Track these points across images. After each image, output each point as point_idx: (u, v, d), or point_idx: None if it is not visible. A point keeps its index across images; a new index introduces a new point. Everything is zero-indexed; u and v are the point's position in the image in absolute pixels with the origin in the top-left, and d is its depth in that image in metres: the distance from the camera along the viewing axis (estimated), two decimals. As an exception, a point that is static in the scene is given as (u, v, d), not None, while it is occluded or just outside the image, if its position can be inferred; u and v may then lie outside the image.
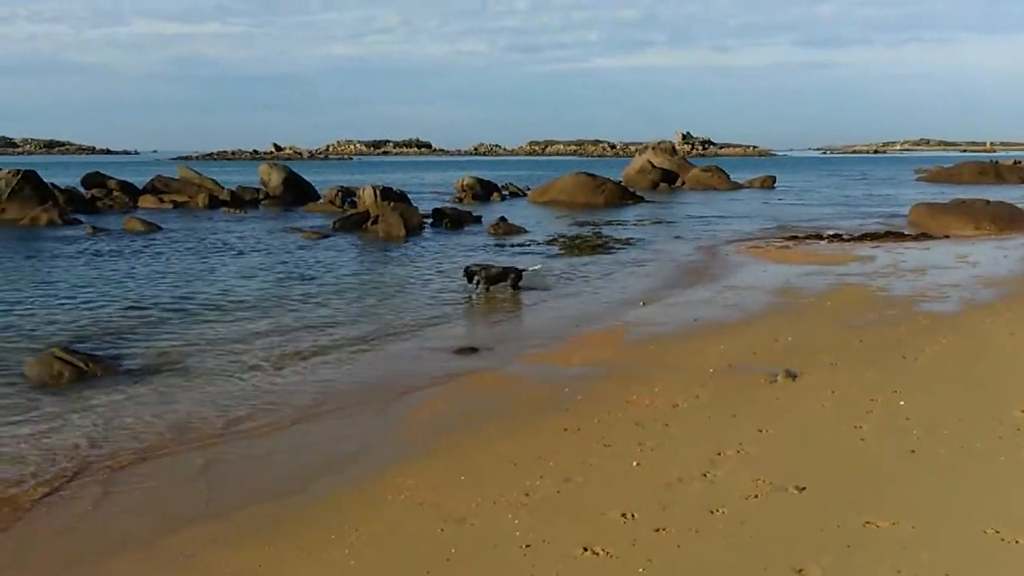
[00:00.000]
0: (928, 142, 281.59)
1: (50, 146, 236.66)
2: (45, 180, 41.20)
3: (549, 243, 30.50)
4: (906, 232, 32.76)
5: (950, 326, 15.77)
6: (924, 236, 31.21)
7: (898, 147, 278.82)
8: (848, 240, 30.50)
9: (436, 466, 9.29)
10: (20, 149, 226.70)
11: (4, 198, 38.51)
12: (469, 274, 20.44)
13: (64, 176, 55.23)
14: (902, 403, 10.88)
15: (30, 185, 39.33)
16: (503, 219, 35.75)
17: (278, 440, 10.52)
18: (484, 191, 54.88)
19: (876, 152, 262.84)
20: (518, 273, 20.57)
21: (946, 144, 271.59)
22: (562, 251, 28.43)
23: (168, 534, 7.85)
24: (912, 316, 16.69)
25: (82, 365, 13.29)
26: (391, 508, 8.19)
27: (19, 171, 39.80)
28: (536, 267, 21.98)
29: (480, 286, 20.08)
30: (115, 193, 46.51)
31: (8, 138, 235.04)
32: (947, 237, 31.08)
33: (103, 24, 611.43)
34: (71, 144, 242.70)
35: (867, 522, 7.45)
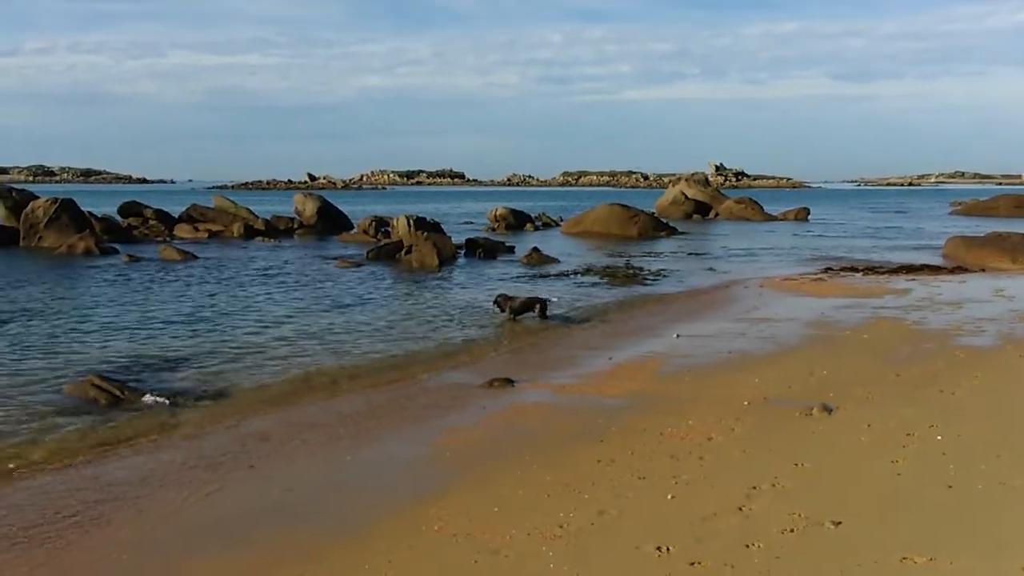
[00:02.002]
0: (963, 175, 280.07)
1: (87, 175, 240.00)
2: (82, 209, 41.76)
3: (582, 274, 30.50)
4: (942, 265, 32.54)
5: (987, 360, 15.63)
6: (960, 269, 30.98)
7: (932, 180, 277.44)
8: (883, 273, 30.31)
9: (470, 497, 9.27)
10: (58, 178, 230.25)
11: (42, 226, 39.05)
12: (499, 304, 20.60)
13: (101, 205, 55.85)
14: (939, 438, 10.76)
15: (68, 213, 39.84)
16: (536, 249, 35.85)
17: (308, 469, 10.55)
18: (517, 221, 55.15)
19: (910, 185, 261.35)
20: (543, 303, 20.71)
21: (981, 177, 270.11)
22: (595, 282, 28.41)
23: (192, 559, 7.89)
24: (949, 350, 16.54)
25: (117, 393, 13.43)
26: (424, 539, 8.18)
27: (57, 200, 40.35)
28: (554, 299, 21.85)
29: (508, 316, 20.24)
30: (151, 222, 46.99)
31: (46, 167, 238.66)
32: (983, 270, 30.84)
33: (142, 56, 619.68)
34: (108, 173, 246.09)
35: (904, 558, 7.37)
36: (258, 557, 7.92)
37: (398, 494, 9.54)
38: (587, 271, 31.19)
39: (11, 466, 10.53)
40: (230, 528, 8.72)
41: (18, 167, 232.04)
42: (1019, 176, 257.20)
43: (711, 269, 32.79)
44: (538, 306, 20.63)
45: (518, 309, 20.45)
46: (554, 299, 21.71)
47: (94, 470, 10.43)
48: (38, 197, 41.45)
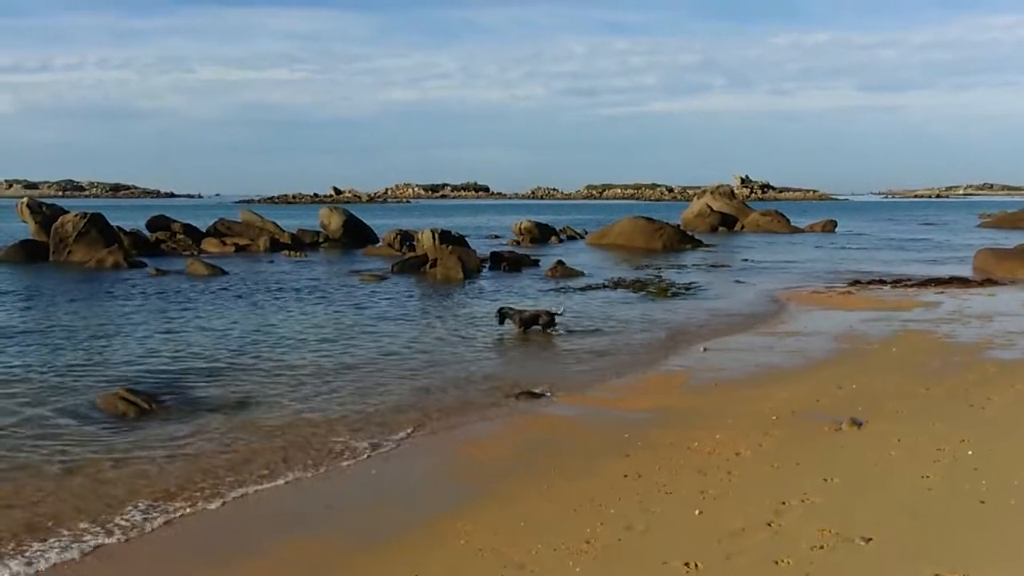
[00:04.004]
0: (992, 186, 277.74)
1: (115, 189, 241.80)
2: (111, 223, 42.10)
3: (610, 287, 30.40)
4: (971, 278, 32.25)
5: (1019, 374, 15.45)
6: (989, 282, 30.69)
7: (961, 191, 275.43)
8: (912, 286, 30.09)
9: (496, 511, 9.24)
10: (87, 192, 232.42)
11: (71, 240, 39.39)
12: (502, 316, 20.58)
13: (129, 219, 56.21)
14: (970, 452, 10.64)
15: (96, 228, 40.19)
16: (561, 262, 35.82)
17: (335, 482, 10.55)
18: (542, 234, 55.23)
19: (938, 196, 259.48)
20: (550, 316, 20.60)
21: (1010, 189, 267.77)
22: (621, 295, 28.32)
23: (215, 570, 7.89)
24: (979, 363, 16.38)
25: (145, 405, 13.54)
26: (450, 553, 8.15)
27: (86, 214, 40.79)
28: (560, 311, 21.65)
29: (515, 328, 20.25)
30: (179, 236, 47.29)
31: (75, 181, 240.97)
32: (1013, 283, 30.56)
33: (169, 71, 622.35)
34: (136, 187, 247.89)
35: (936, 574, 7.28)
36: (282, 568, 7.92)
37: (424, 507, 9.52)
38: (616, 284, 31.04)
39: (39, 478, 10.56)
40: (254, 539, 8.71)
41: (48, 182, 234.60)
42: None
43: (738, 282, 32.61)
44: (544, 318, 20.53)
45: (526, 321, 20.40)
46: (561, 311, 21.47)
47: (122, 481, 10.44)
48: (67, 212, 41.84)
